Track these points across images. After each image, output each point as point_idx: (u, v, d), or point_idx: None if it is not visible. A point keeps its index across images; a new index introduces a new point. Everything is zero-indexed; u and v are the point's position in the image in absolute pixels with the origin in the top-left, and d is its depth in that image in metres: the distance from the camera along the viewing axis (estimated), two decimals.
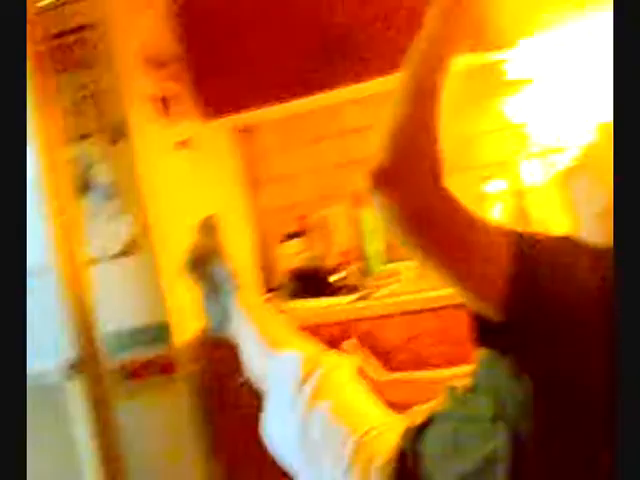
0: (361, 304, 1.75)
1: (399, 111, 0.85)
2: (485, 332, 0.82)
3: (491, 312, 0.79)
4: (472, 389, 1.01)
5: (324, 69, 1.89)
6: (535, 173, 1.97)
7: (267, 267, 2.33)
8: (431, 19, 0.87)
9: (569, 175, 1.00)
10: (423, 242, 0.80)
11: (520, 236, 0.81)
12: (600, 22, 1.64)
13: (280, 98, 1.99)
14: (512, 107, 2.00)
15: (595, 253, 0.84)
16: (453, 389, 1.06)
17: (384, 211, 0.81)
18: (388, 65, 1.82)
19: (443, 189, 0.80)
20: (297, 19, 1.91)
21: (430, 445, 1.03)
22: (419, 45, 0.86)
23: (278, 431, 1.33)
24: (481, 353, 0.98)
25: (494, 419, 0.91)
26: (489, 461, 0.90)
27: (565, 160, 1.95)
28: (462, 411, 1.01)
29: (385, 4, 1.83)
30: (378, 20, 1.84)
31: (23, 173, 1.11)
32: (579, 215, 0.97)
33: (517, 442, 0.86)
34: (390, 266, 2.06)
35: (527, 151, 1.99)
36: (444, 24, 0.86)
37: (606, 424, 0.78)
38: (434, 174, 0.80)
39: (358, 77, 1.89)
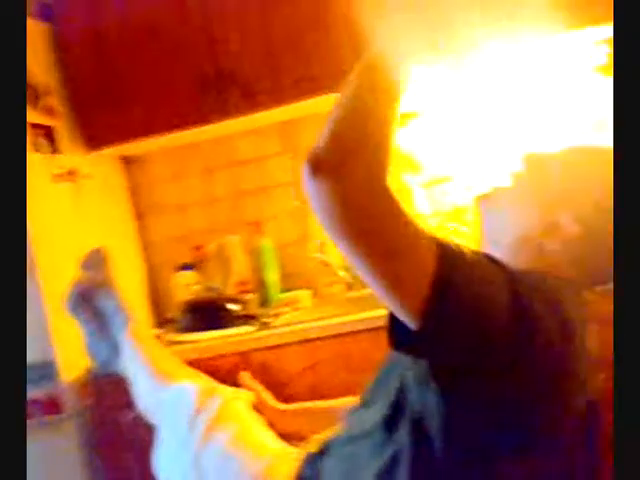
0: (259, 334, 1.73)
1: (354, 100, 0.81)
2: (400, 336, 0.81)
3: (408, 315, 0.78)
4: (366, 404, 1.01)
5: (213, 100, 1.89)
6: (424, 202, 2.04)
7: (161, 299, 2.26)
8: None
9: (484, 202, 1.00)
10: (354, 236, 0.76)
11: (445, 245, 0.80)
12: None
13: (168, 128, 1.96)
14: (401, 138, 2.07)
15: (509, 272, 0.85)
16: (349, 412, 1.06)
17: (321, 200, 0.77)
18: (278, 97, 1.86)
19: (385, 185, 0.77)
20: (187, 49, 1.90)
21: (329, 470, 1.03)
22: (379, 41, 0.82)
23: (170, 465, 1.29)
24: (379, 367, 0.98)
25: (388, 424, 0.91)
26: (388, 468, 0.90)
27: (453, 189, 2.04)
28: (357, 430, 1.00)
29: (274, 37, 1.86)
30: (269, 52, 1.86)
31: None
32: (488, 243, 0.98)
33: (422, 440, 0.86)
34: (287, 295, 2.06)
35: (417, 180, 2.06)
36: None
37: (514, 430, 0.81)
38: (380, 168, 0.77)
39: (249, 108, 1.90)
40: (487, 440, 0.83)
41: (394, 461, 0.89)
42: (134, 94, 1.95)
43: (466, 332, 0.78)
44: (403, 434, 0.88)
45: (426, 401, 0.84)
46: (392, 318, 0.81)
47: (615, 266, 0.76)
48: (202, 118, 1.92)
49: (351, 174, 0.75)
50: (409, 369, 0.91)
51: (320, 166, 0.76)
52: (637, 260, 0.74)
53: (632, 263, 0.74)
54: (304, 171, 0.78)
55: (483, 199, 1.01)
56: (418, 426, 0.86)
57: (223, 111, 1.90)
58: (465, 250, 0.82)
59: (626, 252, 0.75)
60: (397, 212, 0.77)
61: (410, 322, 0.78)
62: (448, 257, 0.78)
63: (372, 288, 0.80)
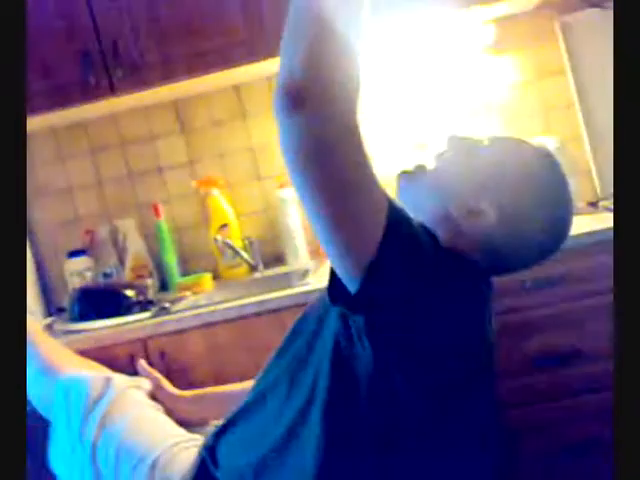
0: (157, 320, 1.68)
1: (327, 32, 0.72)
2: (339, 290, 0.81)
3: (351, 269, 0.78)
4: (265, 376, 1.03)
5: (98, 76, 1.79)
6: None
7: (52, 287, 2.15)
8: None
9: (404, 178, 1.01)
10: (317, 172, 0.73)
11: (397, 207, 0.80)
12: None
13: (49, 107, 1.85)
14: None
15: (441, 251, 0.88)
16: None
17: (290, 132, 0.72)
18: (166, 73, 1.80)
19: (356, 122, 0.74)
20: (69, 24, 1.79)
21: (228, 445, 1.03)
22: None
23: (66, 460, 1.25)
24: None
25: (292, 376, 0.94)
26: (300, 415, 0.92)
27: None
28: (258, 395, 1.02)
29: (160, 10, 1.78)
30: (155, 26, 1.78)
31: None
32: None
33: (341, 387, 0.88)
34: (187, 278, 2.01)
35: None
36: None
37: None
38: (352, 103, 0.73)
39: (134, 85, 1.81)
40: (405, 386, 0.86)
41: (307, 406, 0.91)
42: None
43: (402, 293, 0.80)
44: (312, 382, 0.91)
45: (353, 352, 0.86)
46: (332, 275, 0.82)
47: (615, 266, 0.76)
48: (86, 95, 1.82)
49: (332, 107, 0.70)
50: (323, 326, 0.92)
51: (303, 99, 0.70)
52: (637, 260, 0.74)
53: (632, 263, 0.74)
54: (281, 103, 0.71)
55: (404, 176, 1.01)
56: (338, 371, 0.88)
57: (108, 88, 1.80)
58: (409, 219, 0.84)
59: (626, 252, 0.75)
60: (364, 151, 0.75)
61: (352, 275, 0.79)
62: (397, 212, 0.79)
63: (323, 241, 0.79)
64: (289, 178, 0.77)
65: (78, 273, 2.04)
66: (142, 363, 1.39)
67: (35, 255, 2.16)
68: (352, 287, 0.80)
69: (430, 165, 1.00)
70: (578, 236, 1.55)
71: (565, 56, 2.00)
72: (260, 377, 1.06)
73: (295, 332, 1.02)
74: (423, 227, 0.90)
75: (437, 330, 0.85)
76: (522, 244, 0.95)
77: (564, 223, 0.97)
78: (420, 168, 1.00)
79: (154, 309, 1.76)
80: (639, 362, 0.71)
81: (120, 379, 1.32)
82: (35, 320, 1.83)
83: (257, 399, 1.03)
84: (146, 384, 1.34)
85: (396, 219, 0.79)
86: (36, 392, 1.37)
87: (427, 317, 0.84)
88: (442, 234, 0.93)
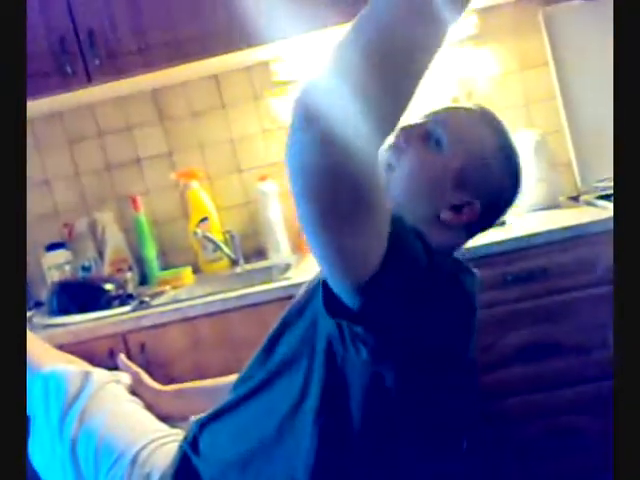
0: (137, 314, 1.66)
1: (394, 25, 0.62)
2: (335, 301, 0.81)
3: (351, 284, 0.77)
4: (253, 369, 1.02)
5: (72, 63, 1.76)
6: None
7: (30, 280, 2.12)
8: None
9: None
10: (325, 194, 0.67)
11: (395, 218, 0.79)
12: None
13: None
14: (283, 107, 2.04)
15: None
16: (236, 383, 1.06)
17: (302, 151, 0.65)
18: (143, 61, 1.76)
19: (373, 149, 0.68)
20: (45, 9, 1.76)
21: (213, 435, 1.03)
22: None
23: (46, 457, 1.23)
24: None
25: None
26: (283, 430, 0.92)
27: None
28: (247, 389, 1.01)
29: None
30: (134, 12, 1.75)
31: None
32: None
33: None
34: (167, 272, 1.99)
35: None
36: None
37: None
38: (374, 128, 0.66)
39: (111, 73, 1.78)
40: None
41: (299, 402, 0.91)
42: None
43: (402, 305, 0.81)
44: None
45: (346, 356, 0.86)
46: (325, 287, 0.81)
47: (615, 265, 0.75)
48: (62, 85, 1.78)
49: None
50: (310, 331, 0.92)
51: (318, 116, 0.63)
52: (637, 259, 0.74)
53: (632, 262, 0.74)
54: (298, 116, 0.64)
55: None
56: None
57: (85, 77, 1.77)
58: (408, 230, 0.84)
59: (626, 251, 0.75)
60: (375, 183, 0.71)
61: (352, 289, 0.78)
62: (396, 225, 0.78)
63: (321, 258, 0.76)
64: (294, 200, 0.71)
65: (57, 266, 2.01)
66: (122, 357, 1.37)
67: None
68: (351, 300, 0.80)
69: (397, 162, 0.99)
70: (559, 230, 1.56)
71: (548, 48, 2.00)
72: (248, 371, 1.05)
73: (284, 326, 1.01)
74: (415, 232, 0.89)
75: (432, 336, 0.86)
76: (497, 209, 1.01)
77: (520, 170, 1.02)
78: (389, 167, 0.99)
79: (134, 303, 1.74)
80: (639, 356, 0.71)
81: (99, 374, 1.30)
82: None
83: (247, 393, 1.01)
84: (126, 378, 1.32)
85: (397, 233, 0.78)
86: None
87: (424, 325, 0.85)
88: (432, 235, 0.92)
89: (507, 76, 2.01)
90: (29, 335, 1.44)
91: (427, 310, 0.84)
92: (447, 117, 0.99)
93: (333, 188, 0.67)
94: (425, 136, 0.97)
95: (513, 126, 1.90)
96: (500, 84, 2.01)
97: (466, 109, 1.03)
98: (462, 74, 2.00)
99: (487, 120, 1.00)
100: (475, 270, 1.01)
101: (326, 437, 0.89)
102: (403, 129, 0.98)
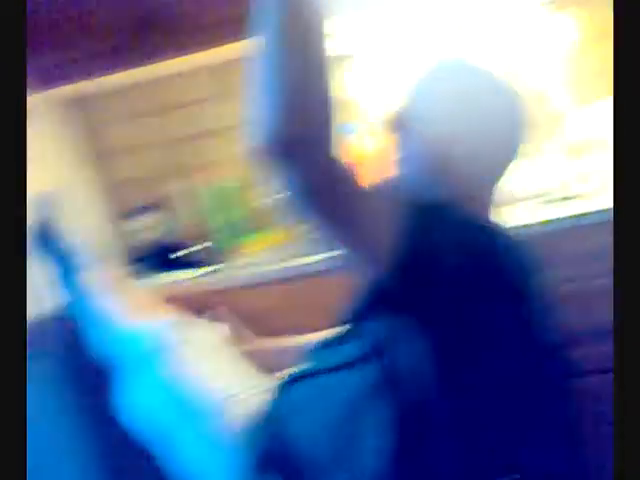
0: (217, 276, 1.73)
1: (295, 78, 0.78)
2: (379, 294, 0.87)
3: (382, 273, 0.83)
4: (338, 340, 1.05)
5: (142, 42, 1.82)
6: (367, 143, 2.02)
7: (119, 242, 2.23)
8: None
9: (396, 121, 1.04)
10: (318, 210, 0.81)
11: (395, 200, 0.85)
12: None
13: (104, 69, 1.90)
14: (338, 82, 2.02)
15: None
16: (318, 347, 1.09)
17: (281, 180, 0.79)
18: (201, 39, 1.80)
19: (336, 159, 0.79)
20: None
21: (294, 401, 1.06)
22: None
23: (145, 403, 1.27)
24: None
25: (364, 359, 0.95)
26: (355, 403, 0.94)
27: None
28: (327, 364, 1.03)
29: None
30: None
31: None
32: (404, 168, 1.02)
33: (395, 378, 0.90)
34: (244, 238, 2.05)
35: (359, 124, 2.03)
36: None
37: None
38: (329, 144, 0.78)
39: (171, 50, 1.84)
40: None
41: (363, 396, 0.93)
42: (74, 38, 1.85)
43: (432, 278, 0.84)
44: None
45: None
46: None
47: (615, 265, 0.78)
48: (138, 58, 1.86)
49: (312, 153, 0.76)
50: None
51: (282, 149, 0.75)
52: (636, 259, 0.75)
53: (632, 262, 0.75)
54: (270, 154, 0.76)
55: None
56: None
57: (146, 53, 1.84)
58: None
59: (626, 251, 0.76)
60: (353, 182, 0.82)
61: (385, 280, 0.84)
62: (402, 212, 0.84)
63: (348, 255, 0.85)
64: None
65: (144, 230, 2.11)
66: (223, 310, 1.42)
67: (103, 212, 2.25)
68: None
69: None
70: (548, 222, 1.53)
71: None
72: (333, 342, 1.09)
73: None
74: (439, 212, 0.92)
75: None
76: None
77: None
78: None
79: (213, 266, 1.81)
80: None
81: (200, 324, 1.35)
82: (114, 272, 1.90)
83: (329, 367, 1.04)
84: (224, 329, 1.38)
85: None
86: (106, 341, 1.44)
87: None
88: (470, 208, 0.95)
89: (588, 43, 1.95)
90: (134, 289, 1.51)
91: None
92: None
93: (317, 201, 0.81)
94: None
95: (595, 96, 1.85)
96: (580, 51, 1.95)
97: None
98: (540, 41, 1.96)
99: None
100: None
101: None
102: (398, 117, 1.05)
